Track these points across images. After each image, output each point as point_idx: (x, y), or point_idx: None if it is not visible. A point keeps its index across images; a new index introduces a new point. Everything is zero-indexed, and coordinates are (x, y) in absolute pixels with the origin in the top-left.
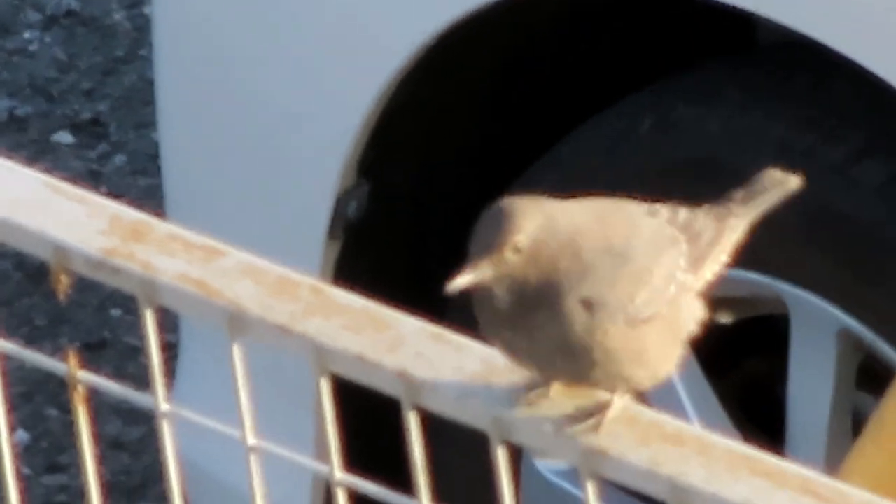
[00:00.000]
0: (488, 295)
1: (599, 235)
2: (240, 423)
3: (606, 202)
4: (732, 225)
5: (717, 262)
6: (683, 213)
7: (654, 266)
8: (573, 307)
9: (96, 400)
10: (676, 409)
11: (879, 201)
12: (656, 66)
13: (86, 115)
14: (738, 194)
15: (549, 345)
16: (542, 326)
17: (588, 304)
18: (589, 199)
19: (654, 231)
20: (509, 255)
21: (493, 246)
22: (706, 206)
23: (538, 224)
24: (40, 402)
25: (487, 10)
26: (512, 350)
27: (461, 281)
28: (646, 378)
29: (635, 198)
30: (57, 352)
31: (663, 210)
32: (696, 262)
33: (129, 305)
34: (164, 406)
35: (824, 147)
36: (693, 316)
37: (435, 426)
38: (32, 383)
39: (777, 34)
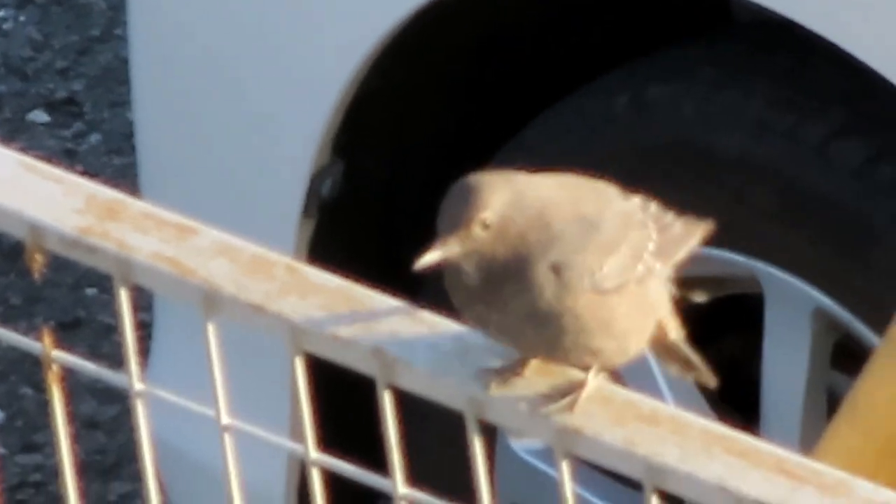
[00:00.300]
0: (458, 271)
1: (569, 207)
2: (214, 403)
3: (578, 178)
4: (693, 224)
5: (683, 254)
6: (654, 205)
7: (623, 241)
8: (542, 273)
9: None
10: (651, 388)
11: (856, 181)
12: (632, 46)
13: (61, 94)
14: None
15: (519, 314)
16: (512, 298)
17: (556, 269)
18: (560, 174)
19: (626, 211)
20: (477, 231)
21: (460, 222)
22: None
23: (506, 199)
24: (15, 381)
25: None
26: (484, 324)
27: (429, 258)
28: (615, 351)
29: (608, 180)
30: (32, 331)
31: (636, 198)
32: (664, 252)
33: (104, 284)
34: (138, 385)
35: (801, 127)
36: (663, 299)
37: (409, 405)
38: (7, 362)
39: (752, 13)
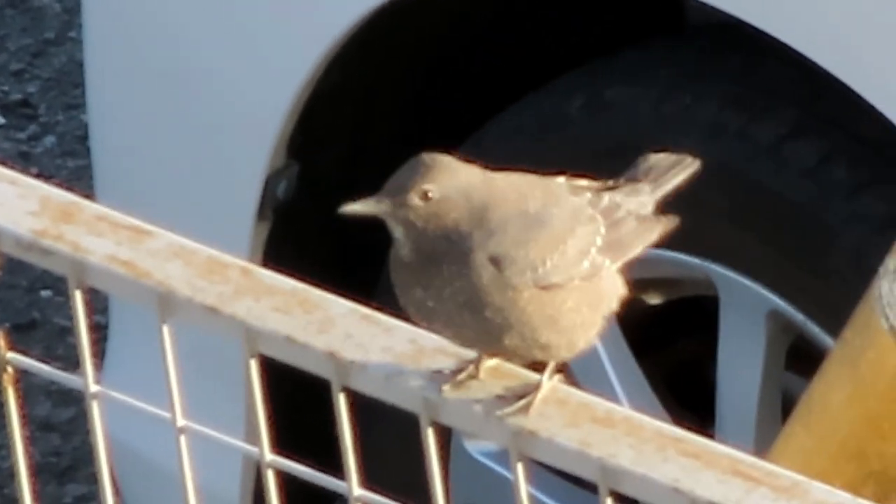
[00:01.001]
0: (397, 247)
1: (515, 202)
2: (169, 405)
3: (531, 176)
4: (651, 221)
5: (637, 250)
6: (607, 199)
7: (569, 236)
8: (481, 263)
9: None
10: (606, 390)
11: (809, 182)
12: (587, 48)
13: (15, 96)
14: (645, 174)
15: (456, 301)
16: (449, 282)
17: (496, 261)
18: (517, 172)
19: (574, 207)
20: (415, 200)
21: (401, 187)
22: (621, 185)
23: (454, 182)
24: None
25: None
26: (423, 313)
27: (357, 207)
28: (562, 346)
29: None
30: None
31: (588, 193)
32: (614, 247)
33: (60, 286)
34: (93, 387)
35: (755, 128)
36: (615, 292)
37: (364, 407)
38: None
39: (706, 15)
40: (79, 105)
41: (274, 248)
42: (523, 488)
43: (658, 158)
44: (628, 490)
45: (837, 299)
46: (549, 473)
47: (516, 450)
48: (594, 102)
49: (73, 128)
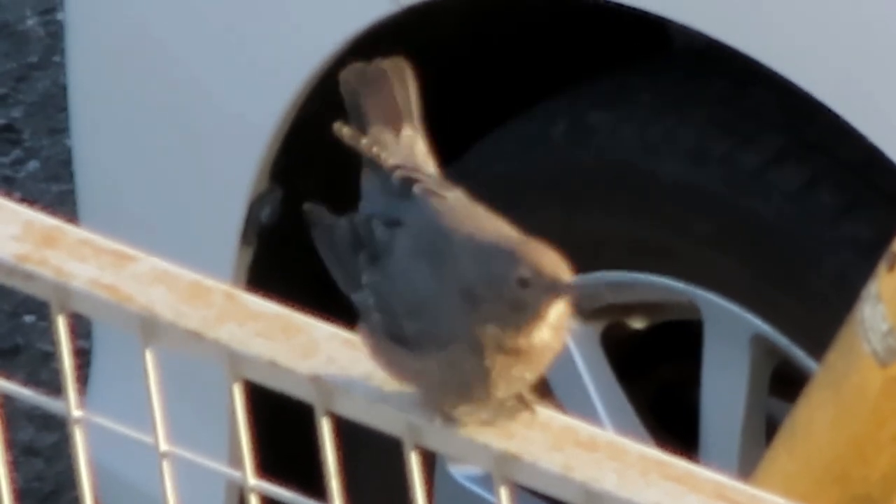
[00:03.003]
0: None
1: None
2: (153, 429)
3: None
4: None
5: None
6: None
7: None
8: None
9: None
10: (589, 414)
11: (794, 206)
12: (571, 72)
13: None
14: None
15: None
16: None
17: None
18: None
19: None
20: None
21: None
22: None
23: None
24: None
25: (397, 18)
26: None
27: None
28: None
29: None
30: None
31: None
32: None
33: (43, 311)
34: (76, 412)
35: (739, 152)
36: None
37: (348, 431)
38: None
39: (690, 39)
40: (63, 130)
41: (258, 272)
42: None
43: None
44: None
45: (821, 324)
46: (533, 497)
47: (500, 474)
48: (578, 126)
49: (57, 152)
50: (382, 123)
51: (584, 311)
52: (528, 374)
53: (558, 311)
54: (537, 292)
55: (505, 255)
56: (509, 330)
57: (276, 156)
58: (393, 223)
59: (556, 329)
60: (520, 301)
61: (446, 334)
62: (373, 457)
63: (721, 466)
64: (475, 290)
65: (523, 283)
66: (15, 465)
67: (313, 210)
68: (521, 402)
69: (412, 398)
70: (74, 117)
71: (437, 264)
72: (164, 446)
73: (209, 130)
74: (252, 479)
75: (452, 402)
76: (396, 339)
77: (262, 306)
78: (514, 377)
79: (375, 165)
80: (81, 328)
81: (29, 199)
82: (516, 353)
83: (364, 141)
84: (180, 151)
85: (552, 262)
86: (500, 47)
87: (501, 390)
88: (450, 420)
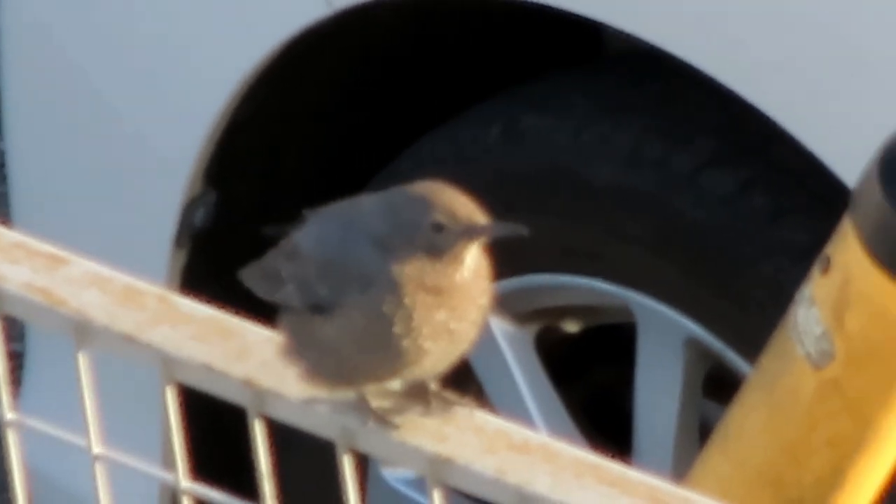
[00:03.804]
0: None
1: None
2: (85, 432)
3: None
4: None
5: None
6: None
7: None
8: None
9: None
10: (523, 417)
11: (728, 210)
12: (505, 76)
13: None
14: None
15: (469, 320)
16: (474, 302)
17: None
18: None
19: None
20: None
21: (476, 211)
22: None
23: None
24: None
25: (332, 21)
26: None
27: (508, 227)
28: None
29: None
30: None
31: None
32: None
33: None
34: (9, 415)
35: (673, 156)
36: None
37: (281, 433)
38: None
39: (624, 44)
40: None
41: (192, 275)
42: None
43: None
44: None
45: (755, 327)
46: (466, 501)
47: (433, 477)
48: (511, 131)
49: None
50: None
51: (518, 314)
52: (452, 323)
53: (474, 255)
54: (452, 236)
55: (417, 202)
56: (429, 272)
57: (210, 159)
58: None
59: (476, 275)
60: (435, 246)
61: (364, 282)
62: (306, 459)
63: (655, 469)
64: (388, 239)
65: (437, 227)
66: None
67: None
68: (446, 402)
69: (346, 401)
70: (7, 120)
71: (347, 225)
72: (96, 449)
73: (143, 134)
74: (185, 482)
75: (377, 364)
76: (315, 308)
77: (195, 309)
78: (438, 324)
79: None
80: (15, 331)
81: None
82: (437, 292)
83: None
84: (114, 154)
85: (465, 206)
86: (434, 51)
87: (427, 340)
88: (383, 422)
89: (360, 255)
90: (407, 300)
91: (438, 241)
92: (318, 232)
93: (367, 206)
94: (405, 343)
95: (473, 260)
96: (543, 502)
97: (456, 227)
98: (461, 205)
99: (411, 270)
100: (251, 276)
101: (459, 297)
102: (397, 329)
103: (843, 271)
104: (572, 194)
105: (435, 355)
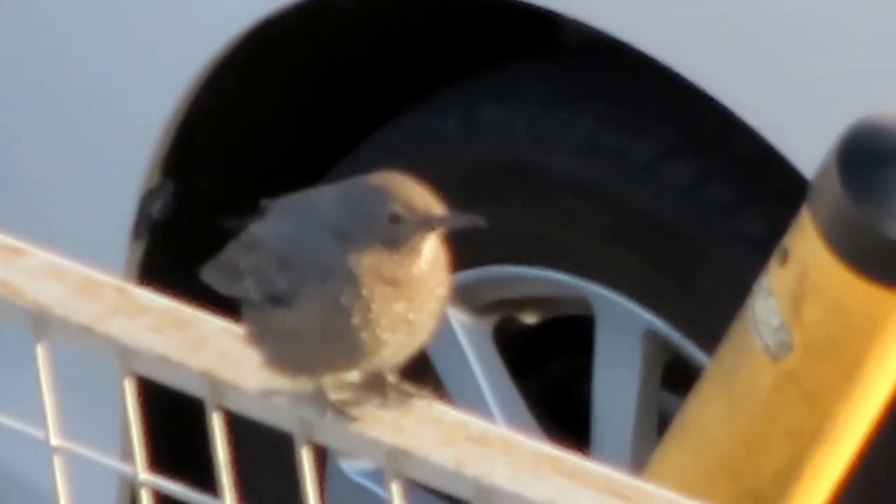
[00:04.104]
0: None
1: None
2: (44, 424)
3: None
4: None
5: None
6: None
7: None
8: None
9: None
10: (481, 409)
11: (686, 201)
12: (463, 66)
13: None
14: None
15: (429, 310)
16: (432, 292)
17: None
18: None
19: None
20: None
21: (433, 203)
22: None
23: None
24: None
25: (293, 11)
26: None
27: (468, 219)
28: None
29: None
30: None
31: None
32: None
33: None
34: None
35: (631, 147)
36: None
37: (239, 425)
38: None
39: (583, 34)
40: None
41: (149, 267)
42: None
43: None
44: None
45: (713, 318)
46: (425, 493)
47: (392, 469)
48: (469, 120)
49: None
50: None
51: (477, 306)
52: (410, 314)
53: (432, 246)
54: (410, 227)
55: (374, 193)
56: (387, 263)
57: (168, 151)
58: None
59: (434, 266)
60: (392, 237)
61: (322, 273)
62: (264, 451)
63: (613, 461)
64: (346, 230)
65: (395, 218)
66: None
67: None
68: (404, 394)
69: (304, 392)
70: None
71: (306, 216)
72: (55, 441)
73: (100, 125)
74: (143, 474)
75: (336, 355)
76: (274, 300)
77: (153, 301)
78: (396, 315)
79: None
80: None
81: None
82: (395, 283)
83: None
84: (72, 146)
85: (423, 197)
86: (394, 41)
87: (386, 331)
88: (341, 414)
89: (318, 246)
90: (365, 291)
91: (396, 231)
92: (276, 224)
93: (325, 197)
94: (364, 334)
95: (431, 251)
96: (501, 494)
97: (413, 217)
98: (418, 196)
99: (369, 261)
100: (211, 273)
101: (417, 288)
102: (355, 320)
103: (802, 263)
104: (530, 185)
105: (393, 346)
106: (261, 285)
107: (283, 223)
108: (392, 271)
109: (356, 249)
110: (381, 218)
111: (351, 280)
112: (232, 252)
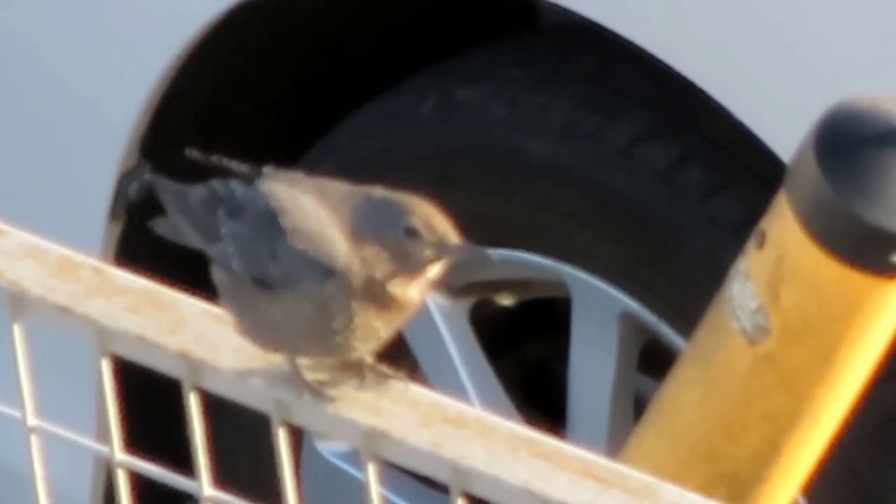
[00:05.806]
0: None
1: None
2: (21, 404)
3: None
4: None
5: None
6: None
7: None
8: None
9: None
10: (457, 391)
11: (662, 184)
12: (440, 48)
13: None
14: None
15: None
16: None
17: None
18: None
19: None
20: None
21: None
22: None
23: None
24: None
25: None
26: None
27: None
28: None
29: (416, 183)
30: None
31: None
32: None
33: None
34: None
35: (607, 129)
36: None
37: (216, 406)
38: None
39: (559, 17)
40: None
41: (127, 247)
42: (375, 489)
43: None
44: (480, 491)
45: (689, 301)
46: (401, 474)
47: (368, 450)
48: (446, 103)
49: None
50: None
51: (453, 288)
52: (383, 330)
53: (436, 271)
54: (422, 246)
55: (397, 205)
56: (386, 277)
57: (146, 131)
58: (251, 182)
59: (424, 297)
60: (403, 250)
61: (319, 274)
62: (241, 431)
63: (589, 443)
64: (359, 232)
65: (411, 232)
66: None
67: (157, 179)
68: (381, 375)
69: (281, 374)
70: None
71: (310, 211)
72: (31, 421)
73: (78, 105)
74: (119, 454)
75: (308, 345)
76: (260, 283)
77: (130, 281)
78: (372, 329)
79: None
80: None
81: None
82: (384, 304)
83: (214, 157)
84: (49, 126)
85: (443, 224)
86: (370, 23)
87: (359, 340)
88: (318, 395)
89: (319, 246)
90: (355, 304)
91: (408, 246)
92: (290, 215)
93: (339, 193)
94: (338, 338)
95: (430, 281)
96: (478, 476)
97: (429, 237)
98: (439, 220)
99: (371, 272)
100: (176, 210)
101: (400, 312)
102: (335, 324)
103: (779, 246)
104: (506, 167)
105: (360, 351)
106: (249, 263)
107: (297, 215)
108: (389, 289)
109: (363, 257)
110: (398, 227)
111: (346, 289)
112: (205, 205)
